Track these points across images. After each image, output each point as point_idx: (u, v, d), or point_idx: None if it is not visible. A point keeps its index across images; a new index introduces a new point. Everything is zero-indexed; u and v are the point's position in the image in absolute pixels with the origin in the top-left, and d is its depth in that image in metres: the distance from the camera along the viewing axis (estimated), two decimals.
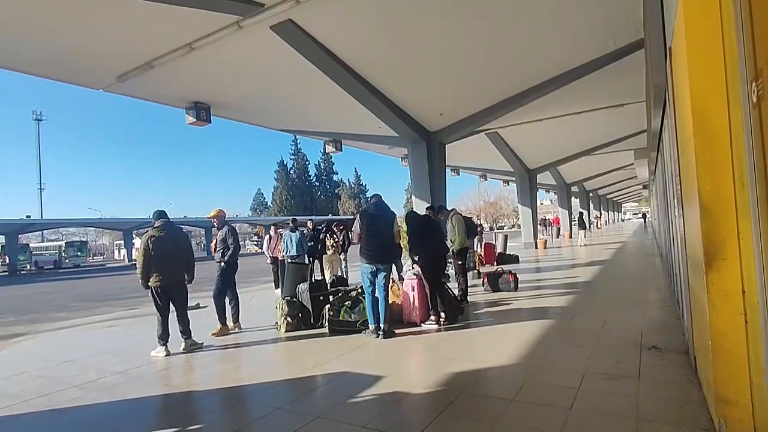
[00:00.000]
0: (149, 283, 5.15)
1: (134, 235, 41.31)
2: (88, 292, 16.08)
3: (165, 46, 5.77)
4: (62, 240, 50.48)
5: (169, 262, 5.21)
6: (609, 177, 27.28)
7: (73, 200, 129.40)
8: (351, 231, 9.25)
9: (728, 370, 2.28)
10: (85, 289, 17.88)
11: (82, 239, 53.80)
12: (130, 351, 5.44)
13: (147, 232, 5.36)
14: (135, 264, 5.92)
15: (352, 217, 5.91)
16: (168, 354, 5.10)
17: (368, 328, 5.38)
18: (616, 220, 55.83)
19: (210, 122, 8.14)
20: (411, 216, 6.41)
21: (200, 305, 8.74)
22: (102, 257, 68.18)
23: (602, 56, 7.14)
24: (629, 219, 68.28)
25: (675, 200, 4.43)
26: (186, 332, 5.34)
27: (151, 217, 5.45)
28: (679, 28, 2.58)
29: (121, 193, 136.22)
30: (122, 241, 47.63)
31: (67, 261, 42.82)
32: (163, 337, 5.16)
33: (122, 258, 46.82)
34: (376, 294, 5.39)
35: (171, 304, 5.28)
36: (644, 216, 46.44)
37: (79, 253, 44.70)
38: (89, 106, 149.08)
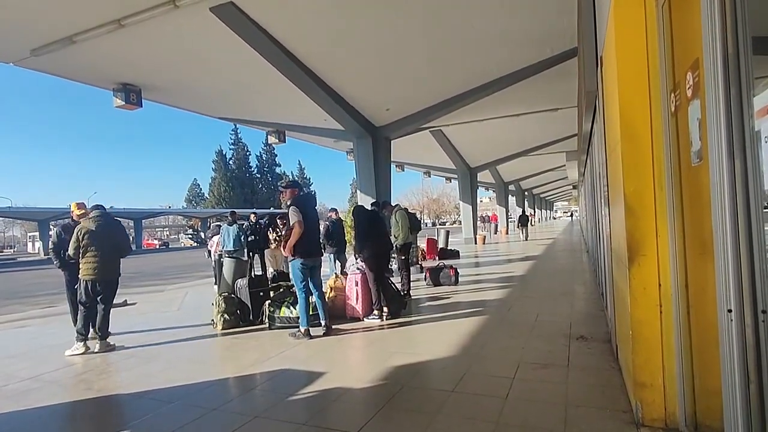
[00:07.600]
0: (79, 276, 4.88)
1: (51, 226, 37.45)
2: None
3: (90, 20, 5.26)
4: None
5: (103, 256, 4.89)
6: (542, 177, 29.02)
7: None
8: (280, 228, 8.85)
9: (645, 356, 2.48)
10: None
11: None
12: (44, 353, 4.93)
13: (80, 223, 4.98)
14: (51, 258, 5.53)
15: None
16: (87, 350, 4.78)
17: (299, 329, 4.98)
18: (548, 218, 59.38)
19: (141, 106, 7.57)
20: (358, 210, 6.35)
21: (128, 302, 8.18)
22: (12, 250, 61.76)
23: (540, 62, 7.51)
24: (560, 217, 72.74)
25: (602, 200, 4.77)
26: (103, 333, 4.98)
27: (88, 208, 5.18)
28: (609, 40, 2.76)
29: (36, 180, 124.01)
30: (37, 233, 43.22)
31: None
32: (83, 332, 4.83)
33: (37, 251, 42.53)
34: (310, 293, 5.11)
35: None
36: (572, 215, 49.87)
37: None
38: None
